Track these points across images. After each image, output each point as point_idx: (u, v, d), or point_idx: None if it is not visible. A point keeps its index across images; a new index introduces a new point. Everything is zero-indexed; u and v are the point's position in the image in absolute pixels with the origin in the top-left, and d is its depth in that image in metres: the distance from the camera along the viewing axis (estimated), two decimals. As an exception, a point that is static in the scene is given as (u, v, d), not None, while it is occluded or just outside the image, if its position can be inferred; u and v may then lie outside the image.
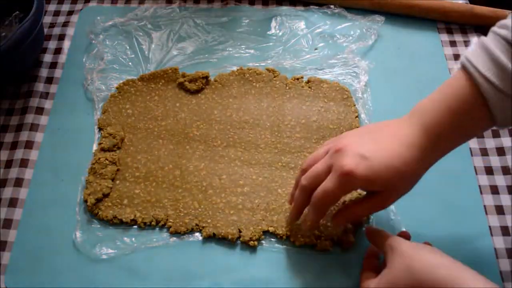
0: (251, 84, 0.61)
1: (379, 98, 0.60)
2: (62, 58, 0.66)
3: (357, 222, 0.50)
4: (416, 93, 0.61)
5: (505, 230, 0.51)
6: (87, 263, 0.49)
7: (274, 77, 0.62)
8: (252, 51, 0.65)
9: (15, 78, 0.63)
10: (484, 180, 0.54)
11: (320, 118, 0.58)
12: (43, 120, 0.60)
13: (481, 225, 0.51)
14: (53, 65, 0.65)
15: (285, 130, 0.57)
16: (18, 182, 0.55)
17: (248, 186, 0.53)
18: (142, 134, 0.58)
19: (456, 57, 0.65)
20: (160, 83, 0.62)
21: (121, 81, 0.62)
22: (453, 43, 0.66)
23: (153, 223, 0.51)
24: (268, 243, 0.50)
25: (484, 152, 0.56)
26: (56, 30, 0.69)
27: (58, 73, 0.64)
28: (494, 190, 0.53)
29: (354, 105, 0.59)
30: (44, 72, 0.64)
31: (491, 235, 0.50)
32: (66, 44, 0.67)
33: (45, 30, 0.68)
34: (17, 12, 0.63)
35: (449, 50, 0.65)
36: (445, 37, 0.67)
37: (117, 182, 0.54)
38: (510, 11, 0.65)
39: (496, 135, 0.57)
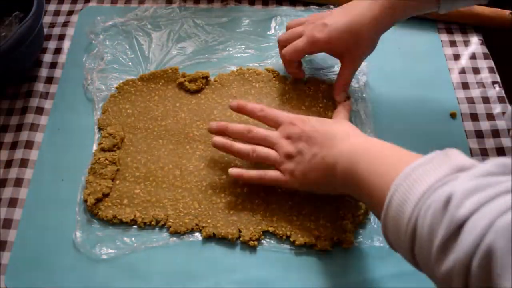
0: (251, 84, 0.61)
1: (378, 98, 0.60)
2: (62, 58, 0.66)
3: (357, 221, 0.50)
4: (416, 93, 0.61)
5: (505, 230, 0.51)
6: (87, 263, 0.49)
7: (274, 77, 0.62)
8: (252, 51, 0.65)
9: (15, 78, 0.63)
10: (484, 180, 0.54)
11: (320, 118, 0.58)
12: (43, 120, 0.60)
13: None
14: (53, 65, 0.65)
15: (285, 130, 0.57)
16: (18, 182, 0.55)
17: (248, 186, 0.53)
18: (142, 134, 0.58)
19: (456, 57, 0.65)
20: (160, 83, 0.62)
21: (121, 81, 0.62)
22: (453, 43, 0.66)
23: (153, 223, 0.51)
24: (268, 243, 0.50)
25: (484, 152, 0.56)
26: (56, 30, 0.69)
27: (58, 73, 0.64)
28: (494, 190, 0.53)
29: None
30: (44, 72, 0.64)
31: (491, 235, 0.50)
32: (66, 44, 0.67)
33: (45, 30, 0.68)
34: (17, 12, 0.63)
35: (449, 50, 0.65)
36: (445, 37, 0.67)
37: (117, 182, 0.54)
38: (510, 11, 0.66)
39: (496, 135, 0.58)
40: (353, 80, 0.58)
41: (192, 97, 0.61)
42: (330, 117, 0.57)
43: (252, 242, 0.50)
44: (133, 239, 0.51)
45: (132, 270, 0.49)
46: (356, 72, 0.58)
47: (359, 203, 0.51)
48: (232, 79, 0.62)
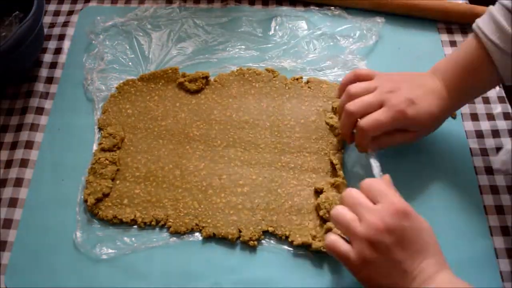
0: (251, 84, 0.61)
1: (379, 98, 0.60)
2: (62, 58, 0.66)
3: None
4: (416, 93, 0.61)
5: (505, 230, 0.51)
6: (87, 263, 0.49)
7: (274, 77, 0.62)
8: (252, 51, 0.65)
9: (15, 78, 0.63)
10: (484, 180, 0.54)
11: (319, 118, 0.58)
12: (43, 120, 0.60)
13: (481, 225, 0.51)
14: (53, 65, 0.65)
15: (285, 130, 0.57)
16: (18, 182, 0.55)
17: (248, 186, 0.53)
18: (142, 134, 0.58)
19: (456, 57, 0.65)
20: (160, 83, 0.62)
21: (121, 81, 0.62)
22: (453, 43, 0.66)
23: (153, 223, 0.51)
24: (268, 243, 0.50)
25: (484, 152, 0.56)
26: (56, 30, 0.69)
27: (58, 73, 0.64)
28: (494, 190, 0.53)
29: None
30: (44, 72, 0.64)
31: (491, 235, 0.50)
32: (66, 44, 0.67)
33: (45, 30, 0.68)
34: (17, 12, 0.63)
35: (449, 50, 0.65)
36: (445, 37, 0.67)
37: (117, 182, 0.54)
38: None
39: (496, 135, 0.58)
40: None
41: (192, 97, 0.61)
42: (330, 118, 0.57)
43: (252, 242, 0.50)
44: (133, 239, 0.51)
45: (132, 270, 0.49)
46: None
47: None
48: (232, 79, 0.62)
